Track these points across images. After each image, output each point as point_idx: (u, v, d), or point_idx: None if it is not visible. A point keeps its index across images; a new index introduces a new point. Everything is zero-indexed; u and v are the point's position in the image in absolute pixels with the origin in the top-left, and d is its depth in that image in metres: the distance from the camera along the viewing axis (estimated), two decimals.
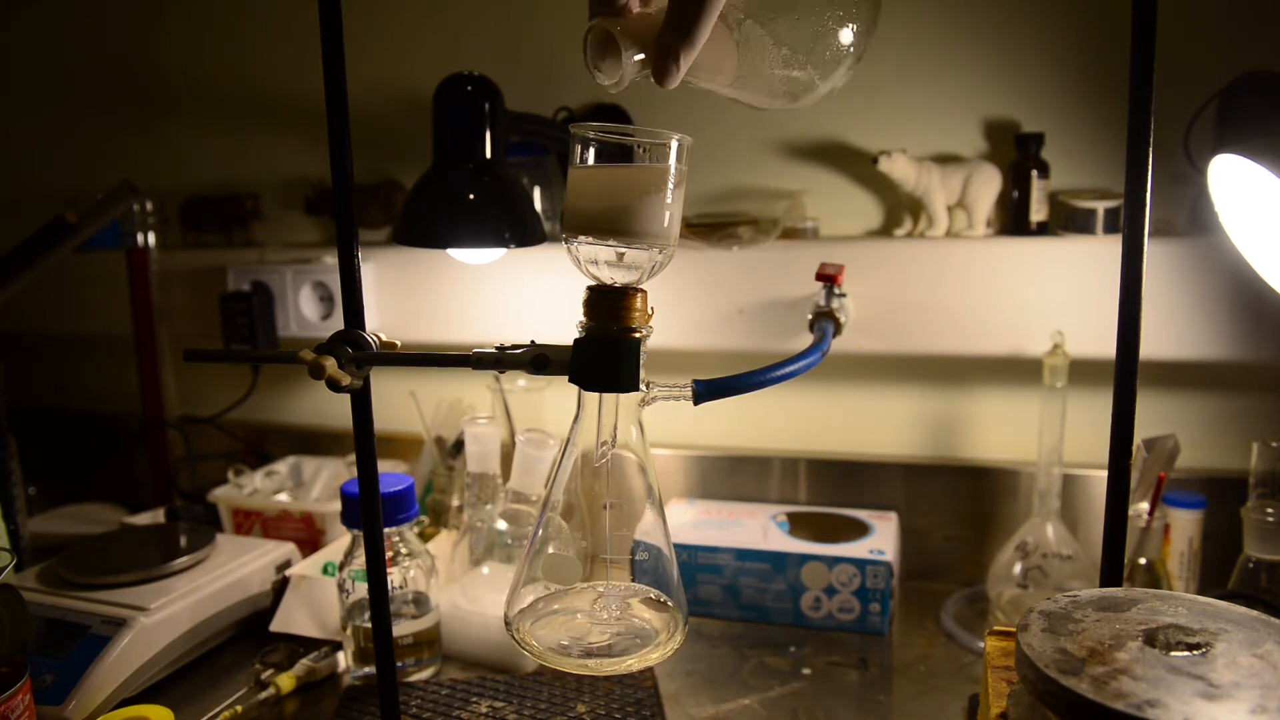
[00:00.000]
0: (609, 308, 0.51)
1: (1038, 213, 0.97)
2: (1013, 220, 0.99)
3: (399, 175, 1.20)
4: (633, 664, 0.53)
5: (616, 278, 0.51)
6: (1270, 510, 0.75)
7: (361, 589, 0.81)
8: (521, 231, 0.94)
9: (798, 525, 1.01)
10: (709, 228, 1.04)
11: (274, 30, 1.27)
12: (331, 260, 1.18)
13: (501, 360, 0.53)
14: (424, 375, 1.24)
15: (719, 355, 1.09)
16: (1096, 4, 0.96)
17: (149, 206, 1.25)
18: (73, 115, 1.41)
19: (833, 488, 1.09)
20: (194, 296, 1.28)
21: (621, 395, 0.53)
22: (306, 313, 1.20)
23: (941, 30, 1.01)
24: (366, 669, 0.82)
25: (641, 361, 0.52)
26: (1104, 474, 0.53)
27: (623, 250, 0.50)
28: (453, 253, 1.05)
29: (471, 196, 0.91)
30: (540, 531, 0.56)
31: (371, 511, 0.59)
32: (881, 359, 1.08)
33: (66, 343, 1.48)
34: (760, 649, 0.90)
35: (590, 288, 0.52)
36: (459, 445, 1.09)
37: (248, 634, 0.91)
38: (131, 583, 0.85)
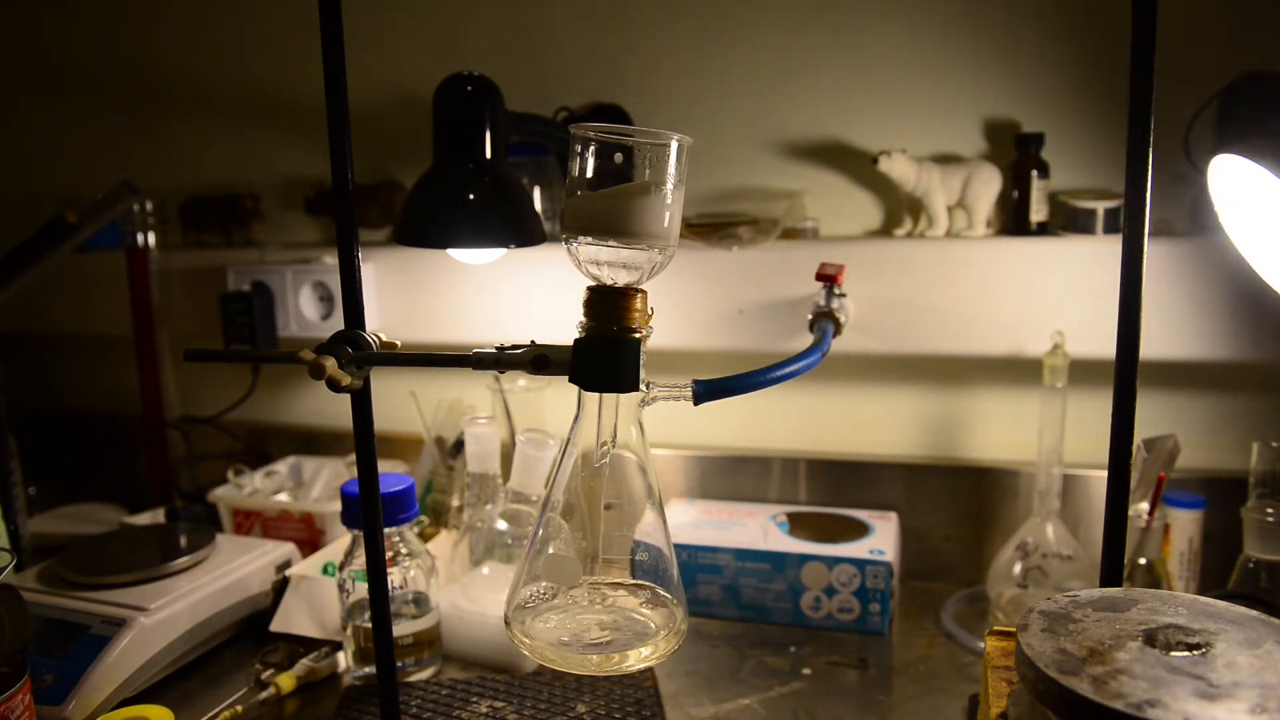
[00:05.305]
0: (609, 308, 0.51)
1: (1038, 213, 0.97)
2: (1013, 220, 0.99)
3: (399, 175, 1.20)
4: (633, 664, 0.53)
5: (617, 278, 0.51)
6: (1270, 510, 0.75)
7: (361, 589, 0.81)
8: (521, 231, 0.94)
9: (798, 525, 1.01)
10: (709, 228, 1.04)
11: (274, 30, 1.27)
12: (331, 260, 1.18)
13: (501, 360, 0.53)
14: (424, 375, 1.24)
15: (719, 355, 1.09)
16: (1097, 4, 0.96)
17: (149, 206, 1.25)
18: (73, 115, 1.41)
19: (833, 488, 1.09)
20: (194, 296, 1.28)
21: (621, 395, 0.53)
22: (306, 313, 1.20)
23: (941, 30, 1.01)
24: (366, 669, 0.82)
25: (641, 361, 0.52)
26: (1104, 474, 0.53)
27: (623, 250, 0.50)
28: (453, 253, 1.05)
29: (471, 196, 0.91)
30: (540, 531, 0.56)
31: (371, 511, 0.59)
32: (881, 359, 1.08)
33: (66, 343, 1.47)
34: (760, 649, 0.90)
35: (590, 288, 0.52)
36: (459, 445, 1.09)
37: (248, 634, 0.91)
38: (131, 583, 0.85)
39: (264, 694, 0.80)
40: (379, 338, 0.56)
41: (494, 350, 0.53)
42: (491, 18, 1.16)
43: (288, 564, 0.96)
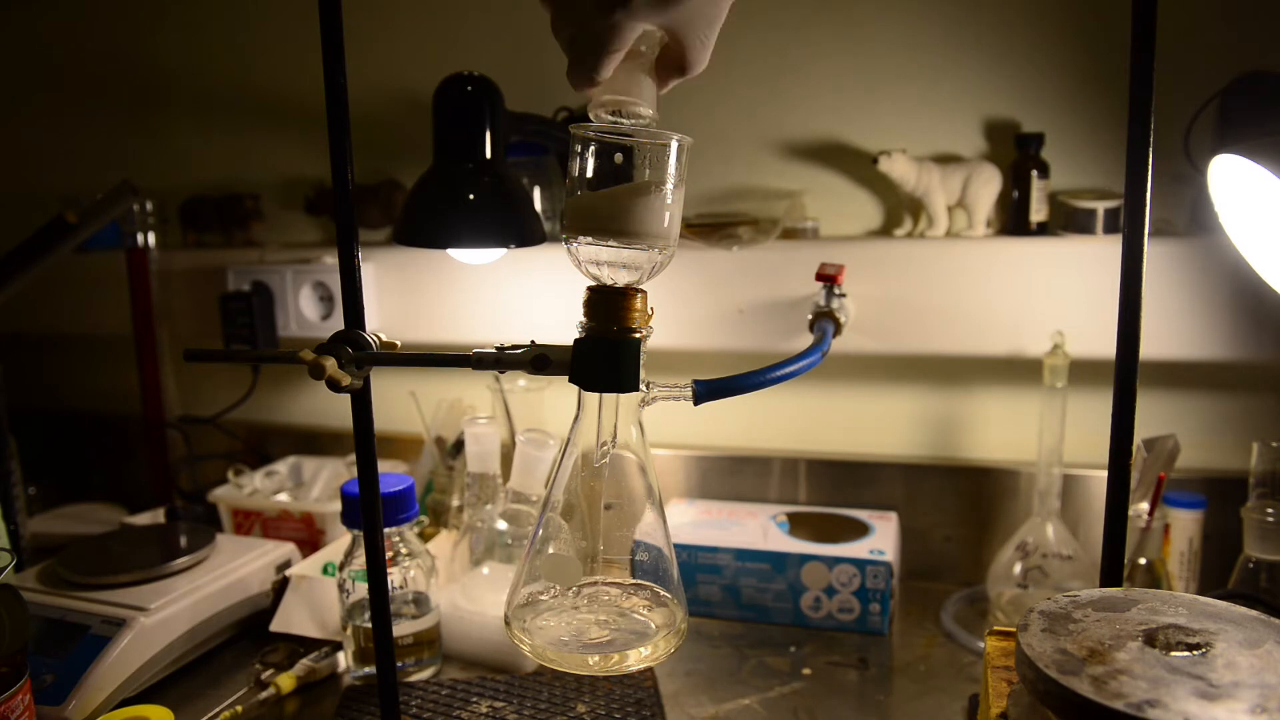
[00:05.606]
0: (609, 308, 0.51)
1: (1038, 213, 0.97)
2: (1013, 220, 0.99)
3: (399, 175, 1.20)
4: (633, 664, 0.53)
5: (617, 278, 0.51)
6: (1270, 510, 0.75)
7: (361, 589, 0.81)
8: (521, 231, 0.94)
9: (798, 525, 1.01)
10: (709, 228, 1.04)
11: (274, 30, 1.27)
12: (331, 260, 1.18)
13: (501, 360, 0.53)
14: (424, 375, 1.24)
15: (719, 355, 1.09)
16: (1096, 3, 0.96)
17: (149, 206, 1.25)
18: (72, 115, 1.41)
19: (833, 488, 1.09)
20: (194, 296, 1.28)
21: (621, 395, 0.53)
22: (306, 313, 1.20)
23: (941, 30, 1.01)
24: (366, 669, 0.82)
25: (641, 361, 0.52)
26: (1104, 474, 0.53)
27: (623, 250, 0.50)
28: (453, 253, 1.05)
29: (471, 196, 0.91)
30: (540, 531, 0.56)
31: (371, 511, 0.59)
32: (881, 359, 1.08)
33: (66, 343, 1.47)
34: (760, 649, 0.90)
35: (590, 288, 0.52)
36: (459, 445, 1.09)
37: (248, 634, 0.91)
38: (131, 583, 0.85)
39: (264, 694, 0.80)
40: (379, 338, 0.56)
41: (494, 350, 0.53)
42: (491, 18, 1.16)
43: (288, 564, 0.96)
